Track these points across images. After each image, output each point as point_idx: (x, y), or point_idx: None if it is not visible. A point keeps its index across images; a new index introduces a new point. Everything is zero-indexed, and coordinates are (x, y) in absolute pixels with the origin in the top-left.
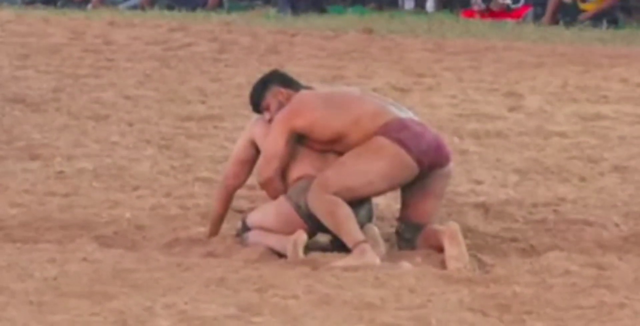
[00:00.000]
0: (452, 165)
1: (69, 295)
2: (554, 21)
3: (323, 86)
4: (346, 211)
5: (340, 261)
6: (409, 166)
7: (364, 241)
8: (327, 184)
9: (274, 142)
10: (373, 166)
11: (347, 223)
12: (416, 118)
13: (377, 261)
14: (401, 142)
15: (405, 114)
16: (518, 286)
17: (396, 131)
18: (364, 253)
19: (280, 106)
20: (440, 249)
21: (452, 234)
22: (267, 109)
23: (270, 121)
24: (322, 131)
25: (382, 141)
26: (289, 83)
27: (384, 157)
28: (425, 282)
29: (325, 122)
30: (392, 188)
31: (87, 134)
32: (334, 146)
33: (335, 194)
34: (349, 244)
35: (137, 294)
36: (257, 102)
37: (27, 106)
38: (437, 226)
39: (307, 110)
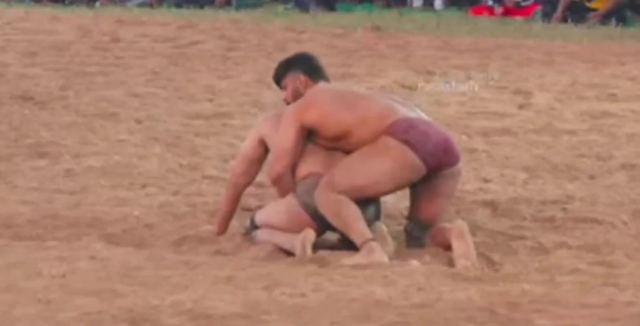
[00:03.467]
0: (461, 165)
1: (77, 293)
2: (564, 19)
3: (335, 84)
4: (353, 209)
5: (348, 259)
6: (416, 166)
7: (372, 240)
8: (333, 184)
9: (284, 136)
10: (379, 166)
11: (354, 222)
12: (425, 117)
13: (386, 259)
14: (408, 143)
15: (415, 113)
16: (527, 285)
17: (403, 131)
18: (372, 251)
19: (296, 92)
20: (448, 248)
21: (461, 232)
22: (285, 88)
23: (285, 101)
24: (331, 127)
25: (389, 141)
26: (312, 71)
27: (391, 157)
28: (434, 280)
29: (334, 118)
30: (398, 188)
31: (95, 132)
32: (341, 144)
33: (342, 193)
34: (357, 243)
35: (146, 292)
36: (277, 79)
37: (35, 103)
38: (445, 225)
39: (318, 105)
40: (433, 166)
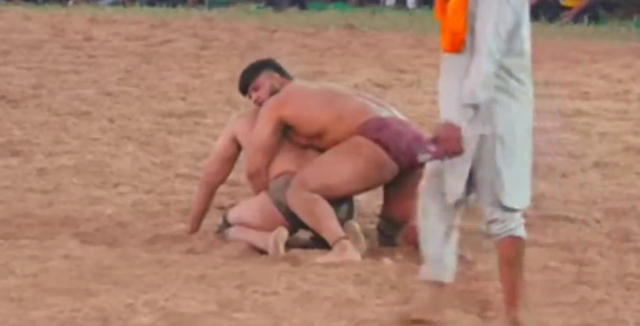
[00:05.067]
0: None
1: (50, 292)
2: (534, 16)
3: (310, 82)
4: (325, 208)
5: (321, 257)
6: (388, 165)
7: (345, 238)
8: (305, 182)
9: (261, 131)
10: (351, 165)
11: (326, 220)
12: (399, 116)
13: (358, 257)
14: (380, 142)
15: (389, 112)
16: (499, 283)
17: (376, 130)
18: (344, 249)
19: (272, 89)
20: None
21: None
22: (256, 89)
23: (257, 102)
24: (306, 124)
25: (361, 140)
26: (282, 72)
27: (362, 156)
28: (406, 278)
29: (309, 115)
30: (370, 187)
31: (68, 131)
32: (315, 142)
33: (314, 192)
34: (330, 241)
35: (118, 291)
36: (246, 83)
37: (8, 102)
38: (418, 223)
39: (296, 101)
40: (406, 165)
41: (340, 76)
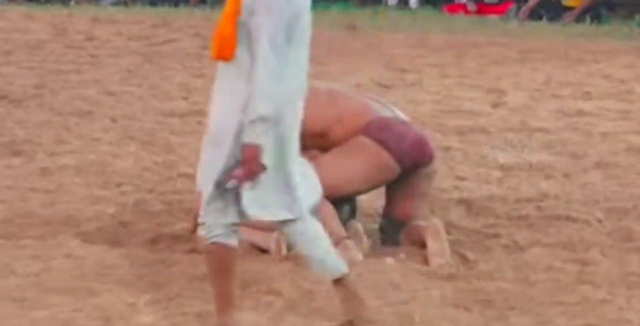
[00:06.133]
0: (436, 164)
1: (52, 291)
2: (530, 16)
3: (315, 81)
4: (328, 208)
5: None
6: (390, 166)
7: (347, 238)
8: None
9: None
10: (354, 165)
11: (329, 220)
12: (402, 116)
13: (360, 257)
14: (382, 143)
15: (391, 112)
16: (501, 282)
17: (378, 130)
18: (347, 249)
19: None
20: (423, 246)
21: (435, 230)
22: None
23: None
24: (310, 123)
25: (364, 140)
26: None
27: (365, 157)
28: (409, 278)
29: (314, 114)
30: (373, 188)
31: (70, 130)
32: (319, 141)
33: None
34: (332, 241)
35: (121, 290)
36: None
37: (10, 102)
38: (420, 223)
39: None
40: (408, 166)
41: (343, 76)
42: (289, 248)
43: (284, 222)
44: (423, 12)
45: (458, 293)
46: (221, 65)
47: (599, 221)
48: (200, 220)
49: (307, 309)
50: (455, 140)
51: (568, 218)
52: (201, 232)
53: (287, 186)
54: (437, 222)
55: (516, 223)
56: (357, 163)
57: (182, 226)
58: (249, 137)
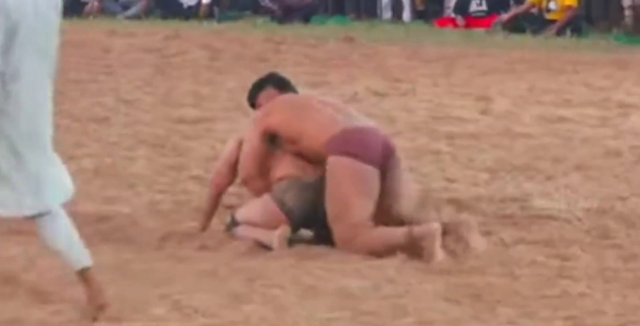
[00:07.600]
0: (402, 164)
1: (70, 284)
2: (511, 24)
3: (302, 93)
4: (377, 230)
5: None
6: (369, 169)
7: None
8: (347, 218)
9: (249, 142)
10: (344, 188)
11: (389, 236)
12: (361, 121)
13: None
14: (350, 154)
15: (352, 120)
16: (489, 277)
17: (342, 144)
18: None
19: None
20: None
21: (431, 231)
22: (259, 108)
23: None
24: (285, 132)
25: (334, 160)
26: (282, 86)
27: (345, 176)
28: (404, 273)
29: (286, 124)
30: (373, 196)
31: (89, 135)
32: (293, 147)
33: (358, 224)
34: (406, 240)
35: (134, 284)
36: (251, 101)
37: None
38: (416, 225)
39: (275, 112)
40: (382, 163)
41: (341, 85)
42: (291, 244)
43: (33, 217)
44: (415, 25)
45: (450, 287)
46: None
47: (579, 219)
48: None
49: (309, 302)
50: (445, 144)
51: (550, 217)
52: None
53: (31, 183)
54: (434, 224)
55: (502, 222)
56: (344, 185)
57: (191, 224)
58: None
